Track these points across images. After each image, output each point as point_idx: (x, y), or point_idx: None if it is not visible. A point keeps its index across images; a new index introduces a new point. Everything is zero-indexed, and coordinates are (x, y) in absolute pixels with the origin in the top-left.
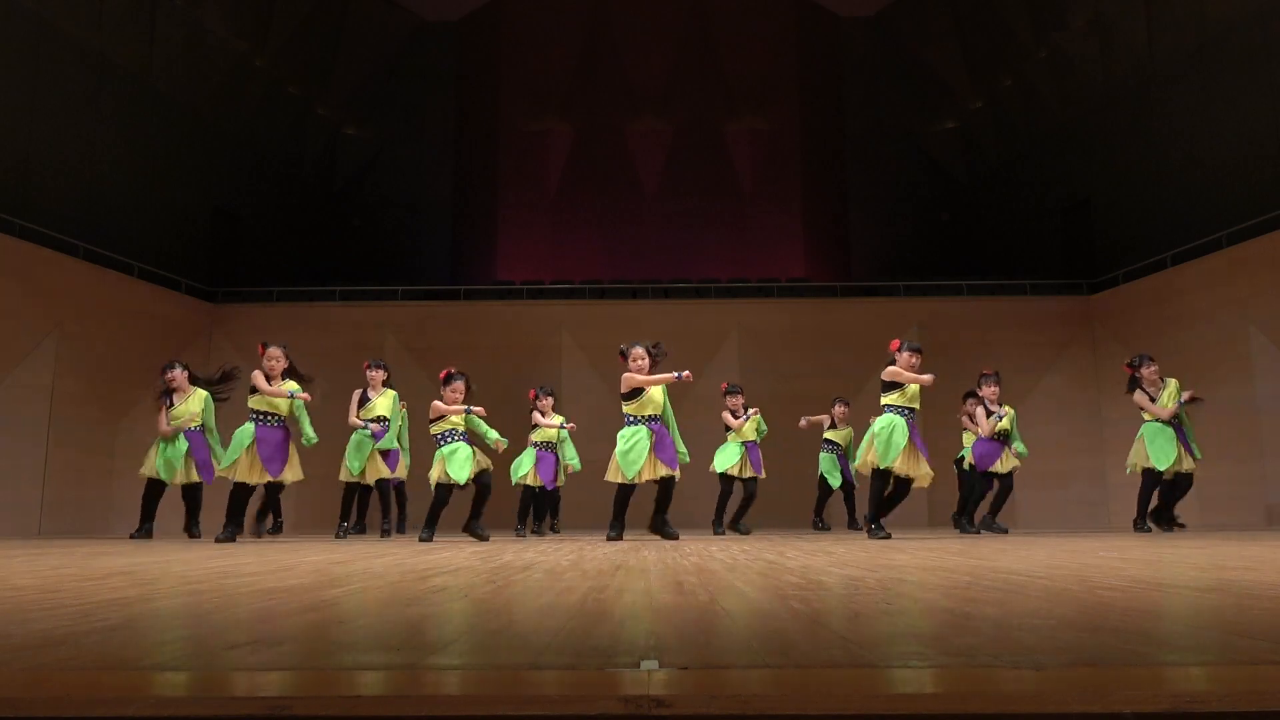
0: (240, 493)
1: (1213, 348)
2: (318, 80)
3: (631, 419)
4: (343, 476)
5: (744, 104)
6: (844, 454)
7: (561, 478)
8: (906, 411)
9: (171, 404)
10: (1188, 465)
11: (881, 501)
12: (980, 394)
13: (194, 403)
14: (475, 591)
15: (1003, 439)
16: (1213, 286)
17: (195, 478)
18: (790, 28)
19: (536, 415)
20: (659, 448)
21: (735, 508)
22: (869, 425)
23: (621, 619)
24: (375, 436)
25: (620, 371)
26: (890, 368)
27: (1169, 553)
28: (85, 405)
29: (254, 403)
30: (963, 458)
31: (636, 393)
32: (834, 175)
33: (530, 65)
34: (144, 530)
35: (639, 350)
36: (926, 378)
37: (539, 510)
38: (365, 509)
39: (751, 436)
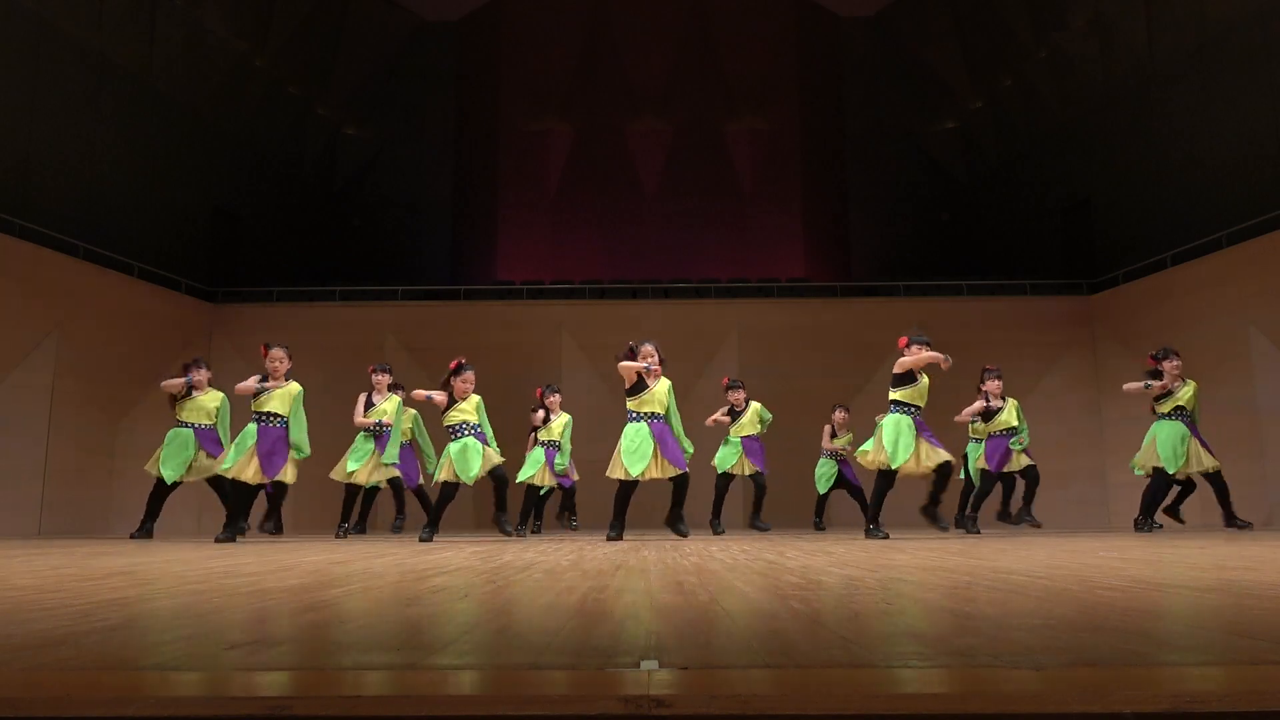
0: (244, 493)
1: (1213, 348)
2: (318, 80)
3: (634, 415)
4: (335, 475)
5: (744, 104)
6: (845, 460)
7: (575, 473)
8: (913, 409)
9: (190, 394)
10: (1206, 465)
11: (883, 502)
12: (983, 389)
13: (210, 399)
14: (475, 591)
15: (1008, 434)
16: (1213, 286)
17: (214, 470)
18: (790, 28)
19: (539, 415)
20: (663, 447)
21: (720, 508)
22: (877, 423)
23: (621, 619)
24: (380, 448)
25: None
26: (902, 359)
27: (1169, 553)
28: (85, 405)
29: (256, 405)
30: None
31: (638, 389)
32: (834, 175)
33: (530, 65)
34: (144, 530)
35: (648, 348)
36: (939, 355)
37: (540, 509)
38: (367, 510)
39: (750, 430)
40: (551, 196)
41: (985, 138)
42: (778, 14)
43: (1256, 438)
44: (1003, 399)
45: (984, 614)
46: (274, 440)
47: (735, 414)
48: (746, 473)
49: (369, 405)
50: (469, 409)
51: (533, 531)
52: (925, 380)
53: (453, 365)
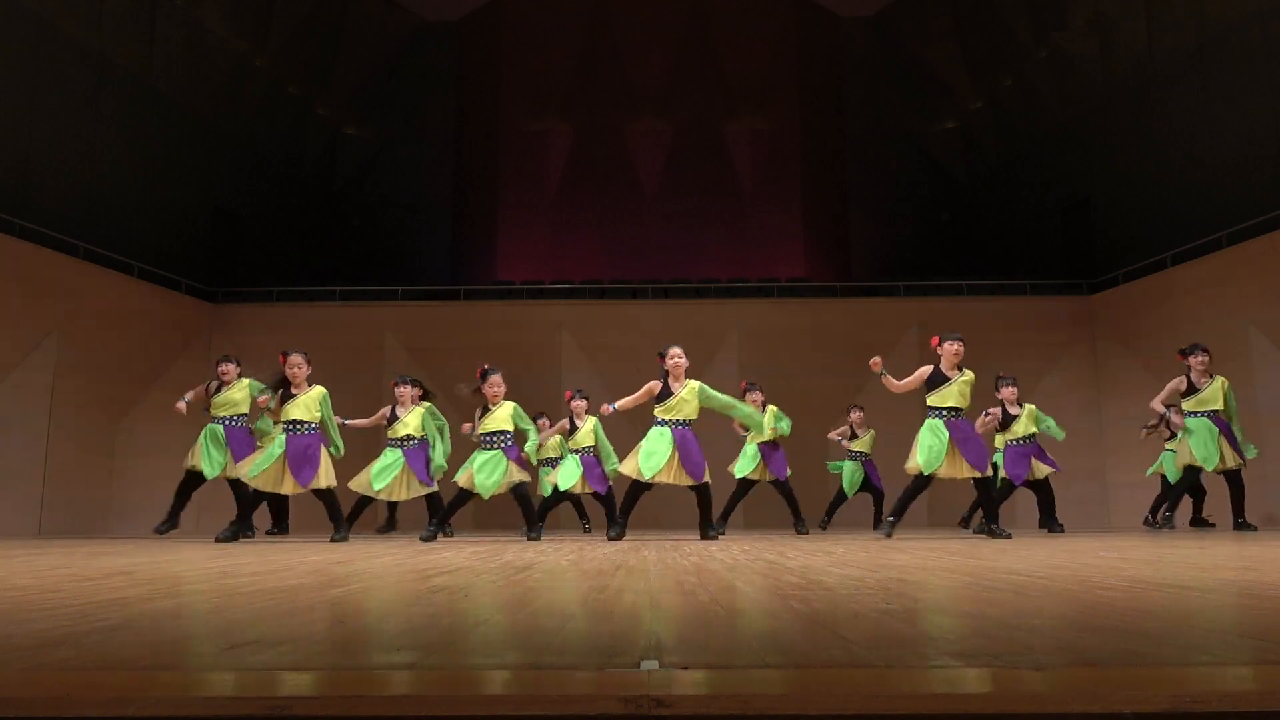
0: (251, 495)
1: (1212, 348)
2: (318, 80)
3: (660, 421)
4: (355, 486)
5: (744, 104)
6: (869, 460)
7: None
8: (945, 412)
9: (219, 390)
10: (1230, 463)
11: (910, 503)
12: (999, 396)
13: (237, 390)
14: (475, 592)
15: (1029, 442)
16: (1213, 286)
17: (239, 472)
18: (790, 28)
19: (564, 422)
20: (683, 456)
21: (730, 513)
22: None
23: (621, 619)
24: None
25: (653, 373)
26: (923, 369)
27: (1169, 553)
28: (85, 405)
29: (284, 413)
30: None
31: (665, 395)
32: (834, 175)
33: (530, 65)
34: (171, 522)
35: (675, 350)
36: (876, 364)
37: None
38: (358, 513)
39: (763, 437)
40: (551, 196)
41: (985, 138)
42: (778, 14)
43: (1256, 438)
44: (1019, 405)
45: (984, 614)
46: (302, 448)
47: None
48: (766, 479)
49: (391, 419)
50: (504, 418)
51: (584, 531)
52: (961, 378)
53: (478, 373)
